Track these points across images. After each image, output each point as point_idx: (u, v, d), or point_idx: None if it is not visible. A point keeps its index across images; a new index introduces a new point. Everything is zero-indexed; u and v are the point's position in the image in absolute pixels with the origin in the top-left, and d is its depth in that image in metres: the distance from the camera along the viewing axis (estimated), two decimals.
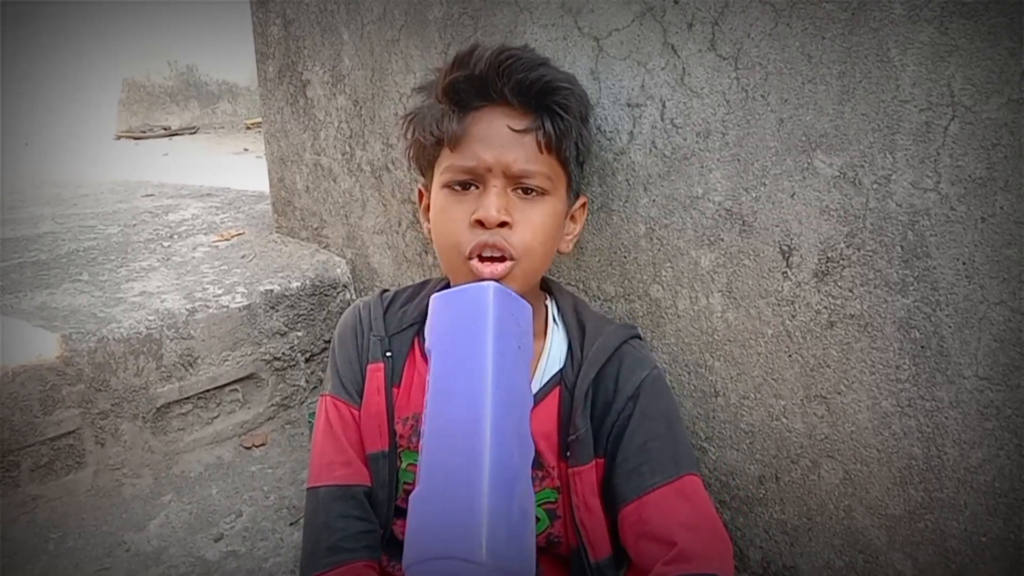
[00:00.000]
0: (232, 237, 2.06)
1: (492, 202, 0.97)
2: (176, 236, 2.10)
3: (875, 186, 0.93)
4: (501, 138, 0.98)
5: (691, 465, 1.01)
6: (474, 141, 0.99)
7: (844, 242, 0.97)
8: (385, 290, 1.16)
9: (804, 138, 0.98)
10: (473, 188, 1.00)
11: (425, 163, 1.07)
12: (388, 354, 1.08)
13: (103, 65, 4.36)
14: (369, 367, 1.08)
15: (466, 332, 0.88)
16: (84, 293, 1.66)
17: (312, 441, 1.12)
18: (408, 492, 1.07)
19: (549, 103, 0.99)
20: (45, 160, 3.51)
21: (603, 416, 1.02)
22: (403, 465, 1.08)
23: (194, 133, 4.52)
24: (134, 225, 2.22)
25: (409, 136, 1.08)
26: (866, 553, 1.04)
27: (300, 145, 1.85)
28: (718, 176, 1.07)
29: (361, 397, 1.08)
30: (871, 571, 1.04)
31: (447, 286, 1.12)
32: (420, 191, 1.13)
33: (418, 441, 1.05)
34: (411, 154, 1.09)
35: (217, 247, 1.98)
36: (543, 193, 1.00)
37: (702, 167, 1.08)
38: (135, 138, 4.31)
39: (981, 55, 0.83)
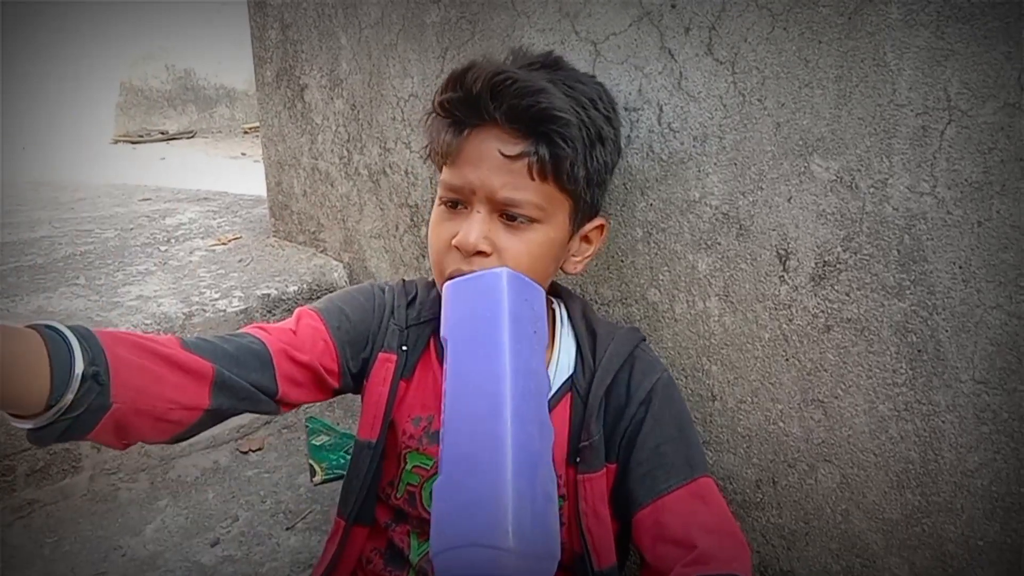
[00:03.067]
0: (229, 241, 2.05)
1: (472, 228, 0.95)
2: (173, 240, 2.10)
3: (872, 190, 0.93)
4: (490, 162, 0.95)
5: (704, 467, 1.00)
6: (465, 161, 0.96)
7: (841, 246, 0.97)
8: (406, 280, 1.14)
9: (801, 142, 0.98)
10: (462, 208, 0.98)
11: (437, 167, 1.05)
12: (404, 348, 1.06)
13: (101, 68, 4.36)
14: (381, 355, 1.06)
15: (481, 319, 0.88)
16: (81, 297, 1.66)
17: None
18: (411, 494, 1.06)
19: (545, 130, 0.94)
20: (42, 164, 3.51)
21: (615, 421, 1.01)
22: (408, 467, 1.06)
23: (192, 137, 4.52)
24: (131, 229, 2.22)
25: (426, 138, 1.06)
26: (863, 557, 1.04)
27: (297, 149, 1.85)
28: (715, 180, 1.07)
29: (340, 332, 1.04)
30: (868, 575, 1.04)
31: None
32: None
33: (428, 443, 1.04)
34: (428, 154, 1.07)
35: (214, 251, 1.98)
36: (533, 221, 0.96)
37: (699, 171, 1.08)
38: (132, 142, 4.31)
39: (977, 59, 0.83)
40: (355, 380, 1.08)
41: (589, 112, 1.00)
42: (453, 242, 0.96)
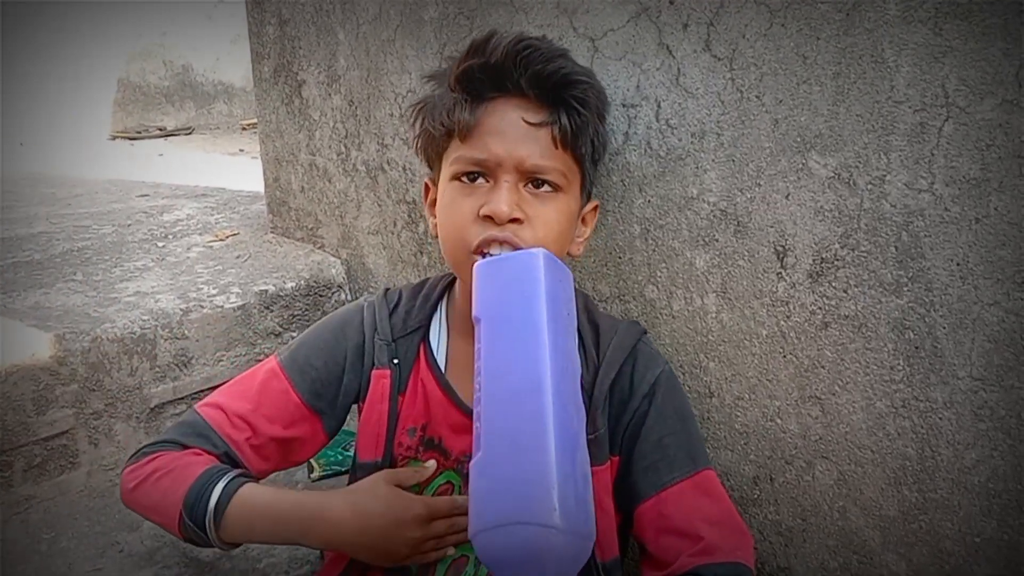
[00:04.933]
0: (227, 237, 2.05)
1: (503, 197, 0.94)
2: (171, 236, 2.09)
3: (869, 187, 0.93)
4: (515, 131, 0.95)
5: (706, 459, 1.01)
6: (486, 133, 0.96)
7: (838, 243, 0.97)
8: (388, 289, 1.13)
9: (799, 139, 0.98)
10: (483, 181, 0.97)
11: (433, 154, 1.04)
12: (395, 361, 1.05)
13: (99, 65, 4.35)
14: (374, 373, 1.05)
15: (519, 298, 0.87)
16: (78, 293, 1.66)
17: (240, 375, 1.10)
18: None
19: (566, 96, 0.96)
20: (40, 160, 3.50)
21: (619, 415, 1.01)
22: None
23: (189, 133, 4.51)
24: (129, 225, 2.21)
25: (418, 126, 1.04)
26: (860, 554, 1.04)
27: (295, 145, 1.84)
28: (713, 177, 1.07)
29: (312, 386, 1.06)
30: (865, 572, 1.04)
31: (450, 284, 1.10)
32: (427, 184, 1.10)
33: (424, 450, 1.04)
34: (419, 144, 1.06)
35: (212, 247, 1.98)
36: (557, 189, 0.97)
37: (697, 168, 1.08)
38: (130, 138, 4.30)
39: (975, 56, 0.83)
40: (347, 406, 1.09)
41: (595, 83, 1.02)
42: (482, 212, 0.94)
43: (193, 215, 2.32)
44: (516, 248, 0.95)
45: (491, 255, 0.95)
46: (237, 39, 3.99)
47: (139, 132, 4.41)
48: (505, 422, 0.80)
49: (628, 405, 1.01)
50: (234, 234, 2.08)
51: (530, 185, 0.97)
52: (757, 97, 1.01)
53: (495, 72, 0.95)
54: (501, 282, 0.90)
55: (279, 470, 1.13)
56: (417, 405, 1.05)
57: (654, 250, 1.16)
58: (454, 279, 1.10)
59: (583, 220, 1.07)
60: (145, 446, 1.04)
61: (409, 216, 1.56)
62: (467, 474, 0.98)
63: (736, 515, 0.98)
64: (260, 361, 1.64)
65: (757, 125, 1.01)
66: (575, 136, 0.97)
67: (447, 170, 1.00)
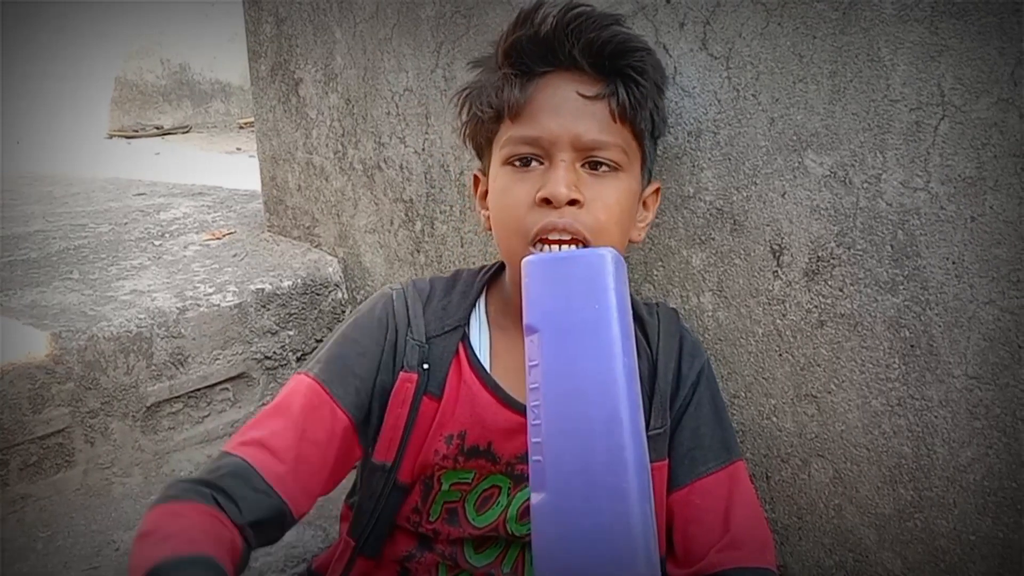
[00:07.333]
0: (223, 236, 2.05)
1: (560, 177, 0.87)
2: (167, 235, 2.09)
3: (865, 185, 0.94)
4: (570, 106, 0.90)
5: (738, 450, 0.99)
6: (539, 110, 0.90)
7: (834, 241, 0.97)
8: (413, 281, 1.04)
9: (795, 137, 0.98)
10: (537, 164, 0.91)
11: (483, 140, 0.98)
12: (425, 366, 0.96)
13: (97, 64, 4.35)
14: (401, 375, 0.96)
15: (586, 307, 0.77)
16: (74, 291, 1.65)
17: (271, 404, 0.95)
18: (451, 511, 0.98)
19: (623, 66, 0.90)
20: (37, 158, 3.49)
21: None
22: (444, 487, 0.98)
23: (186, 132, 4.50)
24: (125, 223, 2.21)
25: (464, 113, 0.99)
26: (856, 552, 1.05)
27: (292, 144, 1.84)
28: (709, 175, 1.07)
29: (358, 398, 0.95)
30: (861, 570, 1.05)
31: (494, 274, 1.02)
32: (475, 176, 1.04)
33: (465, 460, 0.96)
34: (466, 132, 1.00)
35: (208, 246, 1.98)
36: (616, 168, 0.91)
37: (693, 166, 1.08)
38: (127, 137, 4.29)
39: (971, 55, 0.83)
40: (380, 416, 0.99)
41: (653, 52, 0.96)
42: (541, 195, 0.88)
43: (190, 213, 2.32)
44: (576, 236, 0.88)
45: (549, 246, 0.88)
46: (234, 38, 3.98)
47: (136, 131, 4.41)
48: (576, 460, 0.72)
49: (677, 395, 0.97)
50: (231, 232, 2.07)
51: (587, 165, 0.91)
52: (753, 96, 1.01)
53: (545, 45, 0.90)
54: (563, 286, 0.79)
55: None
56: (458, 410, 0.97)
57: (650, 249, 1.16)
58: (495, 273, 1.03)
59: (644, 204, 1.00)
60: (172, 485, 0.86)
61: (406, 215, 1.56)
62: (517, 476, 0.93)
63: (761, 510, 0.97)
64: (256, 360, 1.66)
65: (753, 124, 1.01)
66: (634, 109, 0.91)
67: (498, 154, 0.94)
